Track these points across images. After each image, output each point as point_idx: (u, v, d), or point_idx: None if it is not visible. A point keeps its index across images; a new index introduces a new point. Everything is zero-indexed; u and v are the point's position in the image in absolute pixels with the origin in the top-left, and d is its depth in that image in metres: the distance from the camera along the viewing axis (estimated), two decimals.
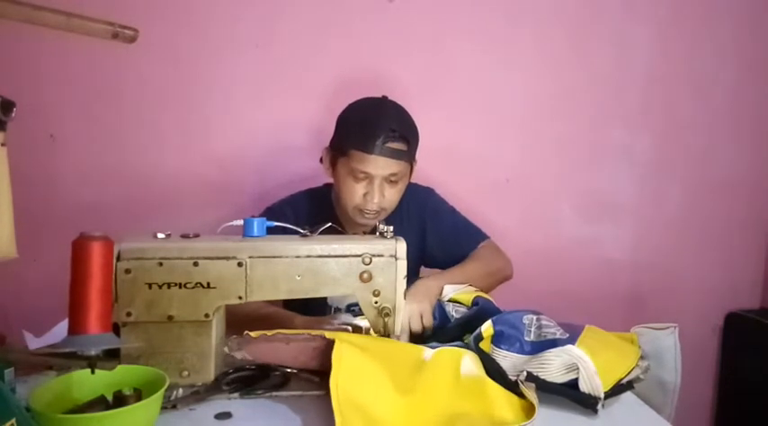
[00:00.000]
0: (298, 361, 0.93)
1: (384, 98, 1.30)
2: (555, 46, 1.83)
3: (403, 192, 1.30)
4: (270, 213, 1.30)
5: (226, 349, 0.92)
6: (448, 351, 0.93)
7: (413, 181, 1.38)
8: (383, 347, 0.91)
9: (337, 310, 1.31)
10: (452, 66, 1.78)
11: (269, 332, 0.91)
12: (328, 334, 0.89)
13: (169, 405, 0.84)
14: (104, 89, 1.60)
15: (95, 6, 1.53)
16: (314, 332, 0.91)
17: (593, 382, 0.84)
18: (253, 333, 0.91)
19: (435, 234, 1.41)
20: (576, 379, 0.85)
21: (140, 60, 1.60)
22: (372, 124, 1.21)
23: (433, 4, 1.74)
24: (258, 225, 0.98)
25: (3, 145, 0.74)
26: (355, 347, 0.85)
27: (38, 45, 1.54)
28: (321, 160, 1.34)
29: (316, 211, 1.35)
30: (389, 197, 1.26)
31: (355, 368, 0.83)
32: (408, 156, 1.26)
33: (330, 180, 1.36)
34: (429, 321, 1.11)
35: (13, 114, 0.74)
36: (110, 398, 0.77)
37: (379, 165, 1.21)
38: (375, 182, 1.23)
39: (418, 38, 1.75)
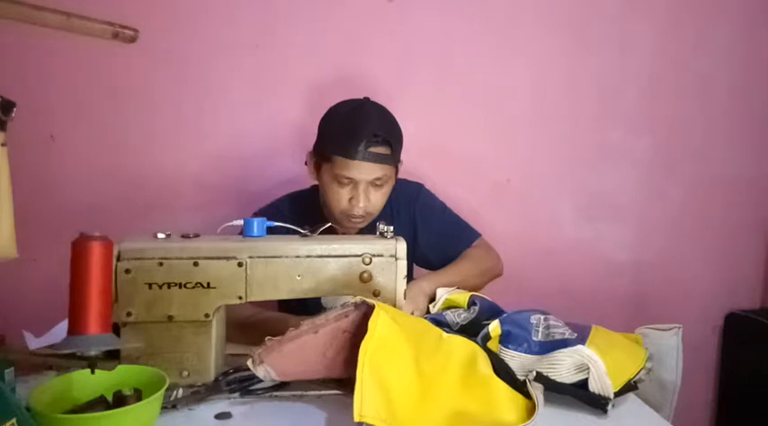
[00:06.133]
0: (326, 362, 0.87)
1: (366, 100, 1.30)
2: (555, 46, 1.83)
3: (389, 195, 1.30)
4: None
5: (249, 363, 0.86)
6: (460, 338, 0.92)
7: (403, 177, 1.37)
8: (413, 324, 0.89)
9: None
10: (453, 66, 1.78)
11: (293, 329, 0.86)
12: (369, 300, 0.85)
13: (169, 405, 0.83)
14: (104, 89, 1.60)
15: (95, 6, 1.54)
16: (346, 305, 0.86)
17: (604, 382, 0.84)
18: (276, 338, 0.86)
19: (426, 232, 1.41)
20: (586, 380, 0.85)
21: (140, 60, 1.60)
22: (354, 129, 1.20)
23: (434, 5, 1.74)
24: (258, 225, 0.98)
25: (3, 145, 0.74)
26: (390, 318, 0.83)
27: (38, 45, 1.54)
28: (306, 163, 1.34)
29: (302, 214, 1.34)
30: (375, 201, 1.26)
31: (386, 339, 0.81)
32: (392, 160, 1.25)
33: (306, 181, 1.35)
34: None
35: (13, 114, 0.74)
36: (110, 398, 0.77)
37: (363, 171, 1.21)
38: (360, 187, 1.23)
39: (418, 38, 1.75)
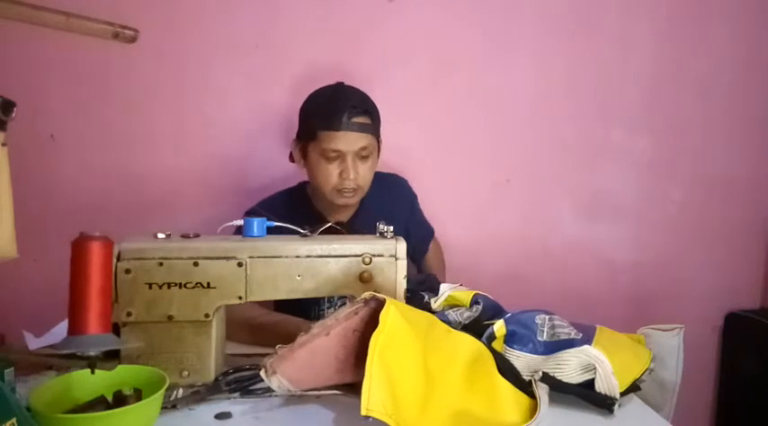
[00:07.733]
0: (338, 365, 0.84)
1: (341, 83, 1.36)
2: (555, 46, 1.83)
3: (374, 170, 1.35)
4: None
5: (262, 373, 0.82)
6: (467, 335, 0.92)
7: (403, 176, 1.39)
8: (421, 319, 0.88)
9: (329, 301, 1.32)
10: (453, 66, 1.78)
11: (303, 334, 0.84)
12: (379, 295, 0.83)
13: (169, 405, 0.83)
14: (104, 89, 1.60)
15: (95, 6, 1.54)
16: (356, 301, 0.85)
17: (611, 382, 0.84)
18: (287, 345, 0.83)
19: (415, 225, 1.50)
20: (592, 380, 0.85)
21: (140, 60, 1.60)
22: (335, 103, 1.27)
23: (434, 5, 1.74)
24: (258, 225, 0.98)
25: (3, 145, 0.74)
26: (400, 313, 0.82)
27: (38, 45, 1.54)
28: (290, 157, 1.38)
29: (293, 209, 1.37)
30: (363, 173, 1.31)
31: (395, 334, 0.79)
32: (374, 130, 1.31)
33: (304, 178, 1.39)
34: None
35: (13, 114, 0.74)
36: (110, 398, 0.77)
37: (349, 140, 1.26)
38: (347, 159, 1.28)
39: (418, 38, 1.75)
